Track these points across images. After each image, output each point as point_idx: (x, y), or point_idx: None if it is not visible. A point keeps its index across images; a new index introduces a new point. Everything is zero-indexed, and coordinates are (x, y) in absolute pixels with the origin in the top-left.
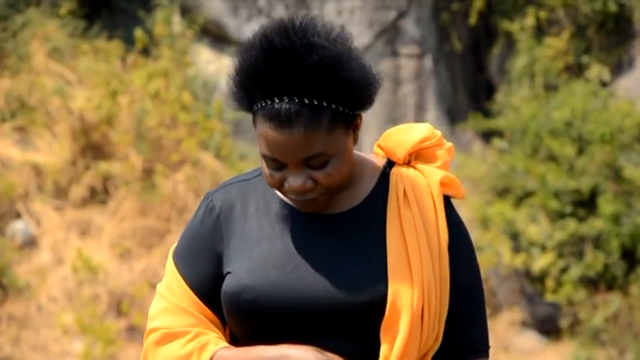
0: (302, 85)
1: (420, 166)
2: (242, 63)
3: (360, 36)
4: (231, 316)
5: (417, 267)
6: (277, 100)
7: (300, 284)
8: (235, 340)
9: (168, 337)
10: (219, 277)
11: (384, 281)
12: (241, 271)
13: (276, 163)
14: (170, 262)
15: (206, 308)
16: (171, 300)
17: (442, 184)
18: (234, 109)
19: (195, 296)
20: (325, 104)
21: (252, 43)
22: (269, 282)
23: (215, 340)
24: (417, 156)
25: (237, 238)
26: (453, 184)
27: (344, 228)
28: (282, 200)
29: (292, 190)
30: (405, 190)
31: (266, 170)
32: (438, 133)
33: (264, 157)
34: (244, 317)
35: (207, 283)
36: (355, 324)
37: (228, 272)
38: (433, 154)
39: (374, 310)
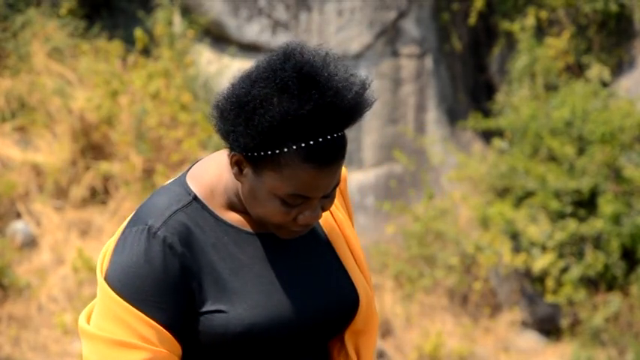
0: (346, 120)
1: None
2: (271, 106)
3: (360, 36)
4: (218, 350)
5: (364, 267)
6: (321, 140)
7: (296, 310)
8: None
9: None
10: (191, 311)
11: (355, 289)
12: (239, 310)
13: (301, 199)
14: (127, 308)
15: (178, 344)
16: (152, 349)
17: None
18: (242, 151)
19: (171, 336)
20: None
21: (275, 85)
22: (270, 316)
23: None
24: None
25: (209, 273)
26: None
27: (293, 242)
28: (230, 225)
29: (306, 223)
30: None
31: (280, 209)
32: None
33: (290, 196)
34: (240, 350)
35: (181, 321)
36: (328, 337)
37: (219, 311)
38: None
39: (352, 318)
